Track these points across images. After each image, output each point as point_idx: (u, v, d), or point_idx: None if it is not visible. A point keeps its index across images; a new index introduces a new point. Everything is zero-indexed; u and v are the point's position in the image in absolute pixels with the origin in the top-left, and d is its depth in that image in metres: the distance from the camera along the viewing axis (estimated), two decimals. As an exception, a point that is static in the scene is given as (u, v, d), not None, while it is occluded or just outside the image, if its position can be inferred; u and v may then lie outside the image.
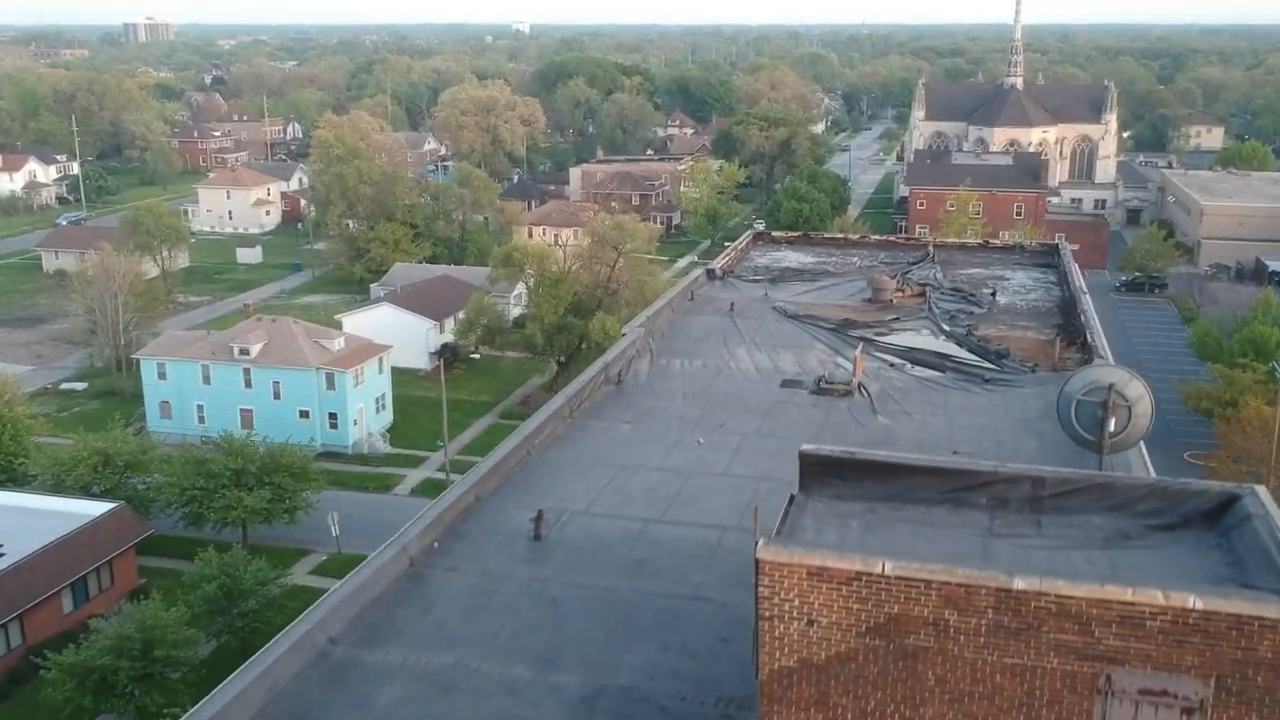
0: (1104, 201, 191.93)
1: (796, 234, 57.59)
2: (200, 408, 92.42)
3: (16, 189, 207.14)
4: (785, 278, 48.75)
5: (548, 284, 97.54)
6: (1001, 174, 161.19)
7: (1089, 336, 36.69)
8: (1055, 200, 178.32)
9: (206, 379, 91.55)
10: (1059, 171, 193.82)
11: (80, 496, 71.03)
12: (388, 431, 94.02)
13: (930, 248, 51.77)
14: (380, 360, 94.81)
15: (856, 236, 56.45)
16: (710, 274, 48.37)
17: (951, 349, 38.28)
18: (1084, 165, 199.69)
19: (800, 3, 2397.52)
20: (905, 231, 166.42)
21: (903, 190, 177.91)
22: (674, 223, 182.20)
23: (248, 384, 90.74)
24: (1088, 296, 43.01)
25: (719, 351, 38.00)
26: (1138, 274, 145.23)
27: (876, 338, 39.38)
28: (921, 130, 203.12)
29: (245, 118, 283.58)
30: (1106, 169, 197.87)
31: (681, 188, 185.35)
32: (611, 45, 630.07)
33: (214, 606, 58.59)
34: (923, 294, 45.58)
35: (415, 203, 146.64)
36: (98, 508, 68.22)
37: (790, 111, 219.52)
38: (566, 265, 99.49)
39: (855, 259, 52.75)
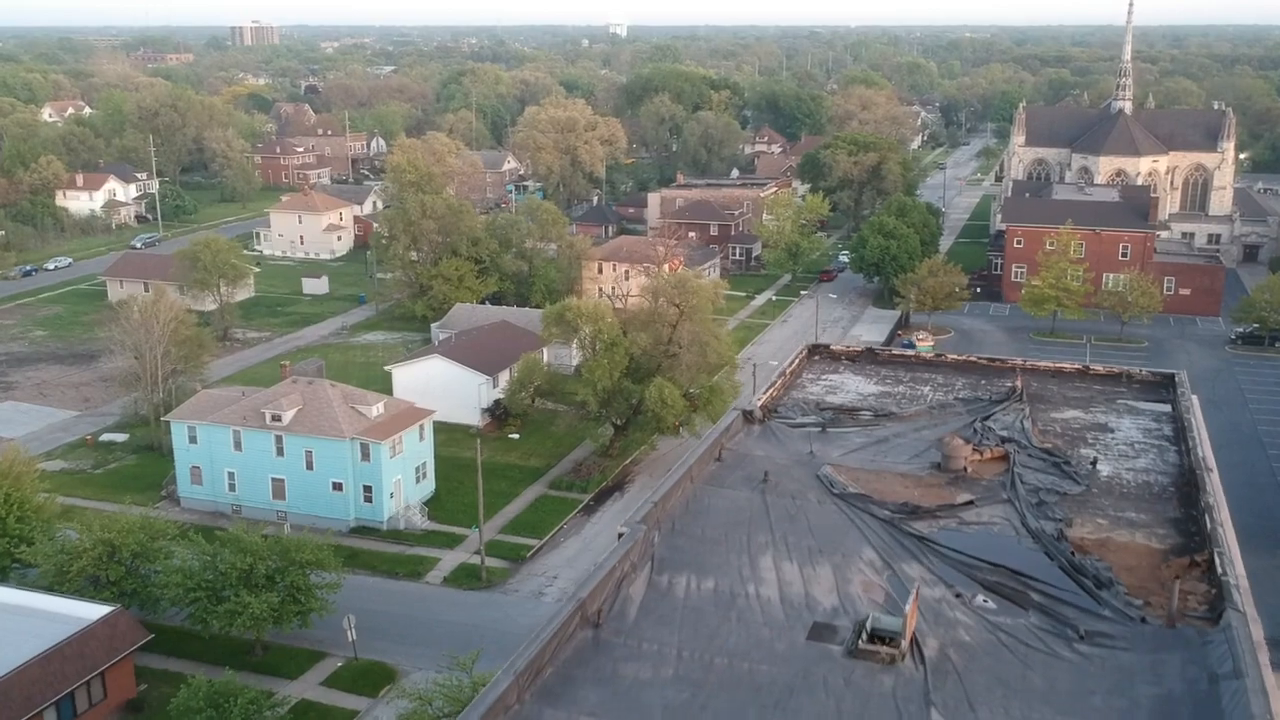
0: (1218, 237, 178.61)
1: (859, 349, 49.35)
2: (231, 475, 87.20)
3: (96, 208, 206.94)
4: (839, 422, 40.72)
5: (603, 346, 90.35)
6: (1106, 212, 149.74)
7: (1219, 564, 28.09)
8: (1165, 235, 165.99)
9: (238, 445, 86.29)
10: (1169, 203, 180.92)
11: (80, 594, 65.98)
12: (426, 505, 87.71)
13: (1017, 381, 43.20)
14: (421, 427, 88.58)
15: (930, 355, 48.11)
16: (748, 416, 40.55)
17: (1038, 564, 30.02)
18: (1197, 196, 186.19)
19: (901, 4, 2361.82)
20: (1000, 269, 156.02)
21: (999, 224, 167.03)
22: (754, 254, 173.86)
23: (280, 452, 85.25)
24: (1214, 474, 34.27)
25: (738, 562, 30.34)
26: (1256, 325, 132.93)
27: (943, 542, 31.25)
28: (1021, 157, 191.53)
29: (329, 132, 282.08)
30: (1222, 200, 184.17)
31: (763, 217, 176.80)
32: (706, 51, 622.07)
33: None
34: (1005, 458, 37.26)
35: (480, 237, 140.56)
36: (93, 611, 62.90)
37: (881, 136, 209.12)
38: (621, 330, 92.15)
39: (927, 389, 44.49)
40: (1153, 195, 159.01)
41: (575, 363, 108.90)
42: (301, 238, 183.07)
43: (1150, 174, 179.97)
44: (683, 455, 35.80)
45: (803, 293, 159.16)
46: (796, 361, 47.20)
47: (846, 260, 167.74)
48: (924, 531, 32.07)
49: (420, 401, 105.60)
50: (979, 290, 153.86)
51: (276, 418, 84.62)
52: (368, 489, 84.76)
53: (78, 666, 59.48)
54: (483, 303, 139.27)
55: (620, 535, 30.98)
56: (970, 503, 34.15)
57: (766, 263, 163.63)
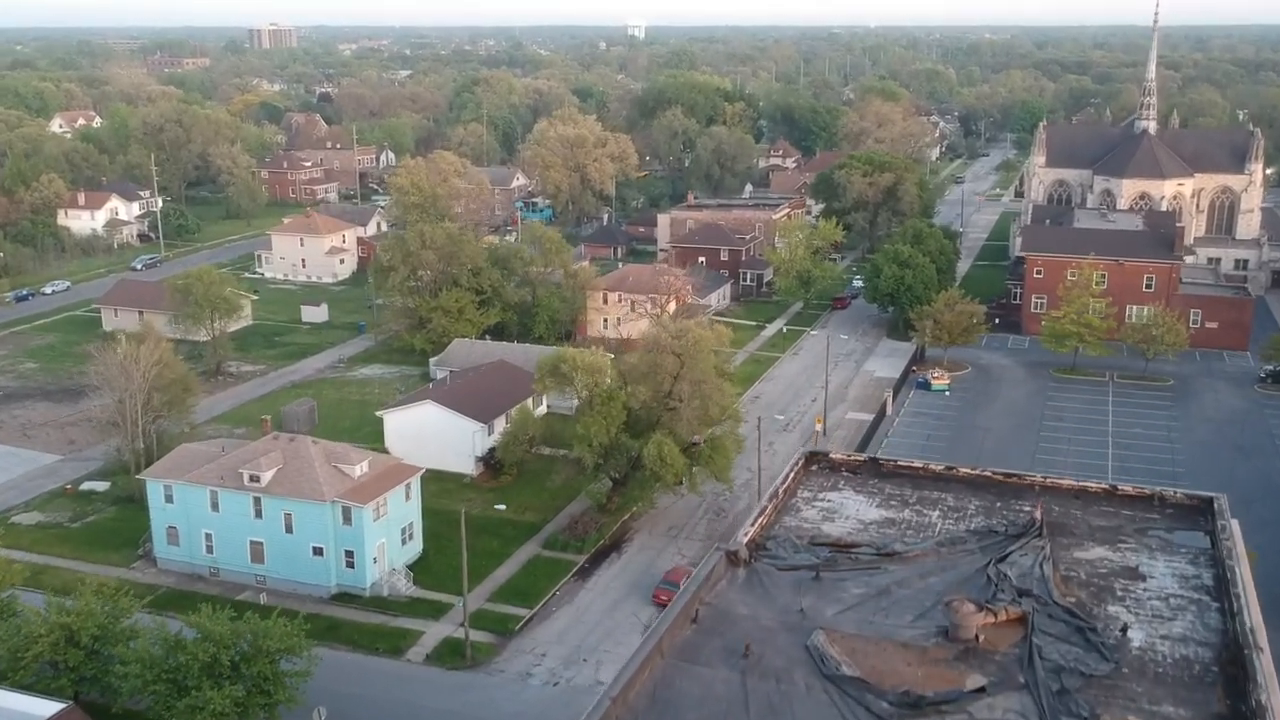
0: (1245, 262, 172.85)
1: (861, 460, 44.75)
2: (209, 536, 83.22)
3: (98, 227, 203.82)
4: (835, 564, 36.19)
5: (599, 401, 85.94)
6: (1129, 241, 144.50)
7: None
8: (1190, 260, 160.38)
9: (215, 506, 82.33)
10: (1194, 227, 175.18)
11: (35, 682, 62.06)
12: (411, 570, 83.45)
13: (1037, 511, 38.56)
14: (408, 487, 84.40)
15: (939, 468, 43.44)
16: (732, 558, 36.04)
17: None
18: (1224, 219, 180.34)
19: (921, 3, 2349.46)
20: (1018, 299, 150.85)
21: (1018, 249, 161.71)
22: (765, 279, 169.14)
23: (258, 514, 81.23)
24: (1266, 654, 29.62)
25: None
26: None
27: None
28: (1042, 178, 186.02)
29: (338, 145, 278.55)
30: (1249, 224, 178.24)
31: (775, 241, 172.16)
32: (723, 56, 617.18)
33: None
34: (1022, 621, 32.68)
35: (482, 267, 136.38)
36: (45, 708, 58.75)
37: (897, 156, 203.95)
38: (620, 382, 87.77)
39: (935, 514, 39.90)
40: (1178, 224, 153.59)
41: (576, 404, 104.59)
42: (303, 261, 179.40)
43: (1175, 197, 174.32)
44: (657, 621, 31.31)
45: (811, 332, 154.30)
46: (792, 475, 42.63)
47: (860, 285, 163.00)
48: (927, 731, 27.61)
49: (413, 448, 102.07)
50: (997, 321, 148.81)
51: (255, 478, 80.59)
52: (349, 554, 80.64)
53: (24, 773, 55.47)
54: (482, 336, 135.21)
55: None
56: (982, 690, 29.58)
57: (778, 290, 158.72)
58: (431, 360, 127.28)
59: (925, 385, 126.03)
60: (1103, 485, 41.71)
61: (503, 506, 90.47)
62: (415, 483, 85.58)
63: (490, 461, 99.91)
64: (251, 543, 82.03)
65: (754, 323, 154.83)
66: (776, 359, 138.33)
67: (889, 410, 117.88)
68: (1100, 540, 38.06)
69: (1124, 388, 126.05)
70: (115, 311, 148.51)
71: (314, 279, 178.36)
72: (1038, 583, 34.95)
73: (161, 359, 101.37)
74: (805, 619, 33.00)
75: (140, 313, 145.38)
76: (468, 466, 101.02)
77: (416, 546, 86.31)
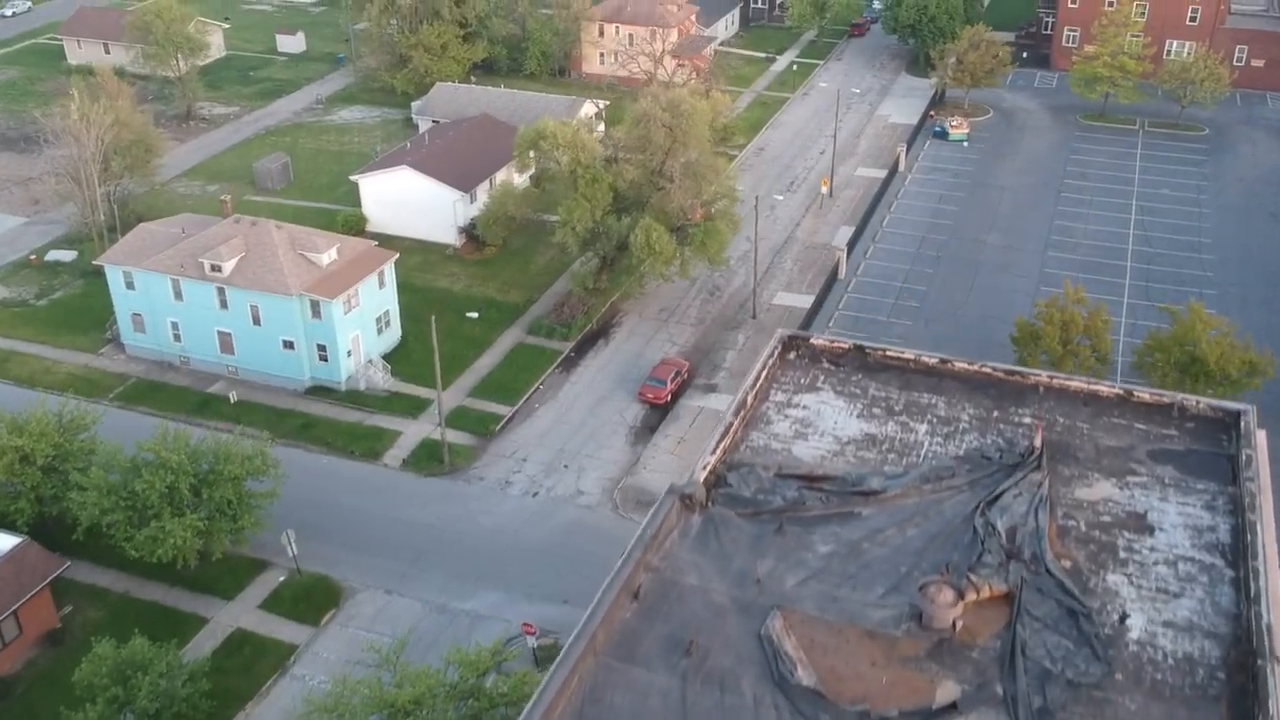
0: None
1: (844, 347, 39.58)
2: (175, 325, 79.46)
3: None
4: (804, 507, 32.11)
5: (583, 182, 79.51)
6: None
7: None
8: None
9: (178, 295, 78.04)
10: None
11: (-9, 506, 60.26)
12: (388, 361, 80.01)
13: (1037, 438, 33.90)
14: (381, 274, 79.66)
15: (933, 360, 38.37)
16: (687, 502, 31.89)
17: None
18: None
19: None
20: (1049, 29, 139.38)
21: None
22: (778, 2, 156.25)
23: (223, 305, 77.05)
24: (1280, 663, 25.96)
25: None
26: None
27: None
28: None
29: None
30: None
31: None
32: None
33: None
34: (1008, 600, 28.88)
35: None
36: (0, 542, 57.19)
37: None
38: (606, 159, 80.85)
39: (923, 428, 35.40)
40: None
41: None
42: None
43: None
44: (597, 598, 27.68)
45: (824, 65, 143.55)
46: (766, 369, 37.79)
47: (880, 7, 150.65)
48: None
49: (391, 215, 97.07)
50: (1025, 56, 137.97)
51: (216, 268, 75.86)
52: (322, 347, 77.04)
53: (-19, 611, 54.38)
54: (469, 74, 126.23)
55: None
56: (953, 707, 26.10)
57: (790, 16, 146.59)
58: (413, 105, 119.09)
59: (943, 134, 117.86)
60: (1115, 390, 36.76)
61: (474, 315, 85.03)
62: (389, 269, 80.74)
63: (473, 232, 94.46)
64: (220, 333, 78.34)
65: (763, 54, 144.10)
66: (785, 101, 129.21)
67: (901, 166, 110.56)
68: (1107, 470, 33.64)
69: (1154, 138, 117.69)
70: (79, 43, 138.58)
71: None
72: (1030, 538, 30.88)
73: (119, 119, 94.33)
74: (761, 593, 29.18)
75: (105, 45, 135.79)
76: (450, 236, 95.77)
77: (395, 334, 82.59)
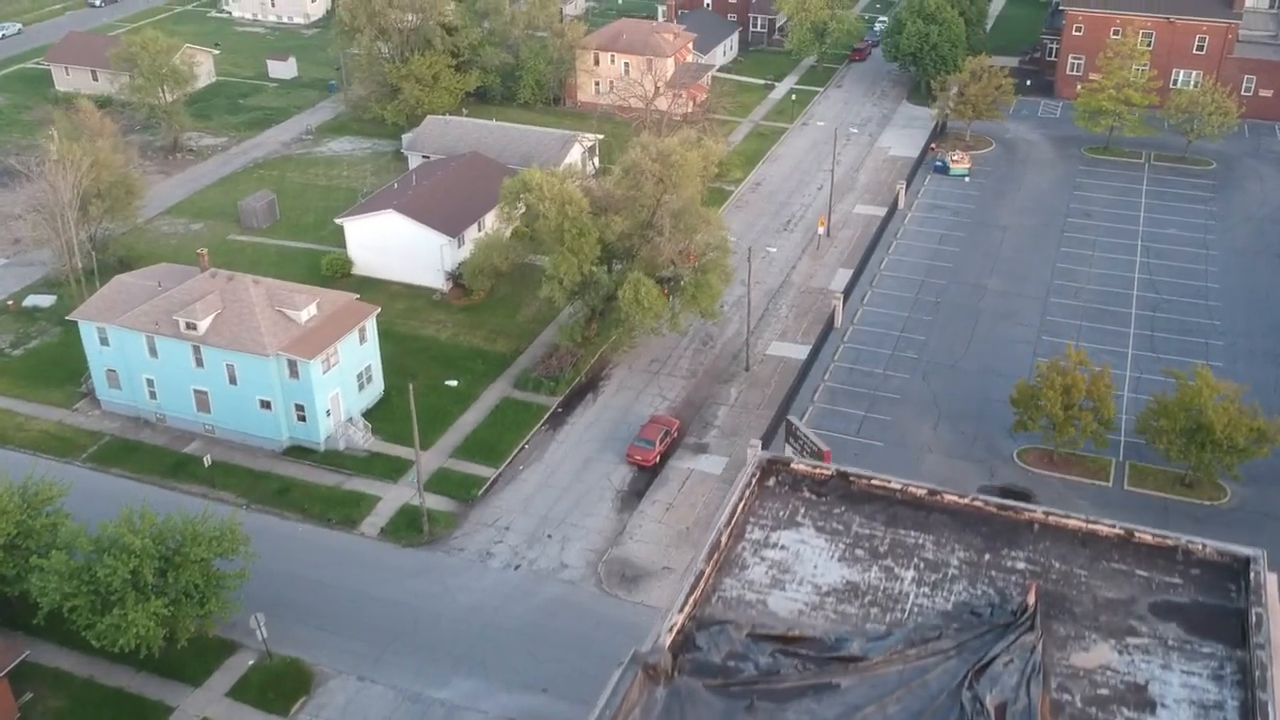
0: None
1: (828, 474, 37.22)
2: (150, 382, 77.27)
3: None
4: (778, 675, 29.73)
5: (570, 236, 77.13)
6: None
7: None
8: (1251, 3, 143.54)
9: (153, 352, 75.82)
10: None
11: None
12: (368, 423, 77.66)
13: (1031, 595, 31.51)
14: (362, 329, 77.39)
15: (922, 492, 36.01)
16: (650, 672, 29.52)
17: None
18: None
19: None
20: (1054, 55, 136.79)
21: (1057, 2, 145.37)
22: (778, 25, 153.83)
23: (199, 363, 74.82)
24: None
25: None
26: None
27: None
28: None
29: None
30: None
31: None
32: None
33: None
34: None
35: (457, 25, 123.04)
36: (-45, 631, 54.99)
37: None
38: (593, 211, 78.40)
39: (908, 575, 33.00)
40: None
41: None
42: (273, 0, 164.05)
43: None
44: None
45: (824, 93, 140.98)
46: (744, 500, 35.44)
47: (881, 30, 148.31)
48: None
49: (377, 259, 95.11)
50: (1029, 82, 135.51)
51: (191, 325, 73.63)
52: (300, 407, 74.79)
53: (-66, 708, 52.22)
54: (460, 109, 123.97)
55: None
56: None
57: (790, 41, 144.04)
58: (404, 138, 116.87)
59: (944, 169, 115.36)
60: (1115, 530, 34.38)
61: (454, 382, 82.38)
62: (371, 323, 78.45)
63: (460, 279, 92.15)
64: (196, 391, 76.10)
65: (762, 81, 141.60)
66: (783, 132, 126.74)
67: (901, 203, 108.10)
68: (1105, 629, 31.23)
69: (1160, 173, 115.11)
70: (66, 70, 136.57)
71: (284, 19, 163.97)
72: (1021, 718, 28.48)
73: (98, 160, 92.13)
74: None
75: (94, 73, 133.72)
76: (437, 281, 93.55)
77: (377, 388, 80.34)
